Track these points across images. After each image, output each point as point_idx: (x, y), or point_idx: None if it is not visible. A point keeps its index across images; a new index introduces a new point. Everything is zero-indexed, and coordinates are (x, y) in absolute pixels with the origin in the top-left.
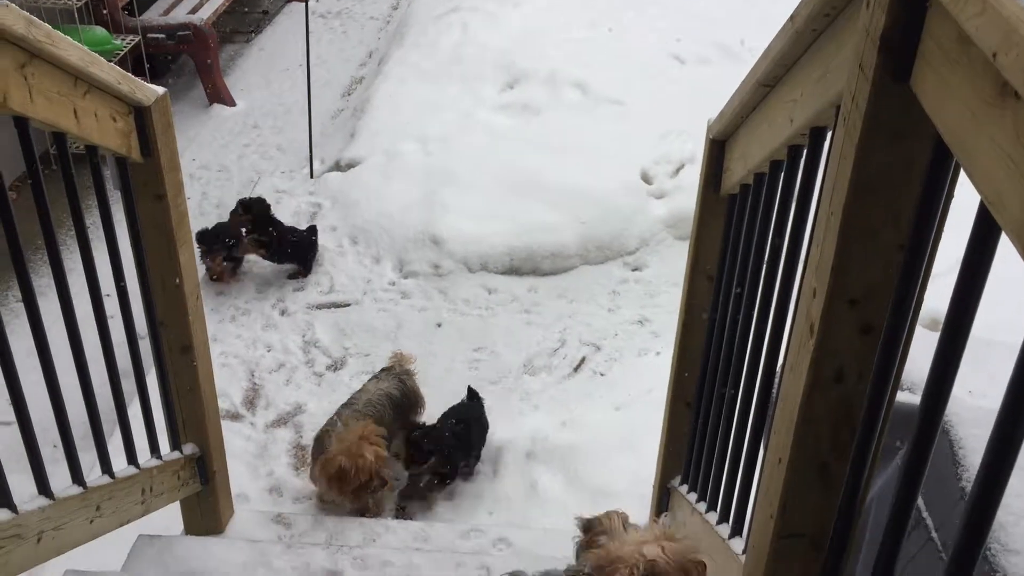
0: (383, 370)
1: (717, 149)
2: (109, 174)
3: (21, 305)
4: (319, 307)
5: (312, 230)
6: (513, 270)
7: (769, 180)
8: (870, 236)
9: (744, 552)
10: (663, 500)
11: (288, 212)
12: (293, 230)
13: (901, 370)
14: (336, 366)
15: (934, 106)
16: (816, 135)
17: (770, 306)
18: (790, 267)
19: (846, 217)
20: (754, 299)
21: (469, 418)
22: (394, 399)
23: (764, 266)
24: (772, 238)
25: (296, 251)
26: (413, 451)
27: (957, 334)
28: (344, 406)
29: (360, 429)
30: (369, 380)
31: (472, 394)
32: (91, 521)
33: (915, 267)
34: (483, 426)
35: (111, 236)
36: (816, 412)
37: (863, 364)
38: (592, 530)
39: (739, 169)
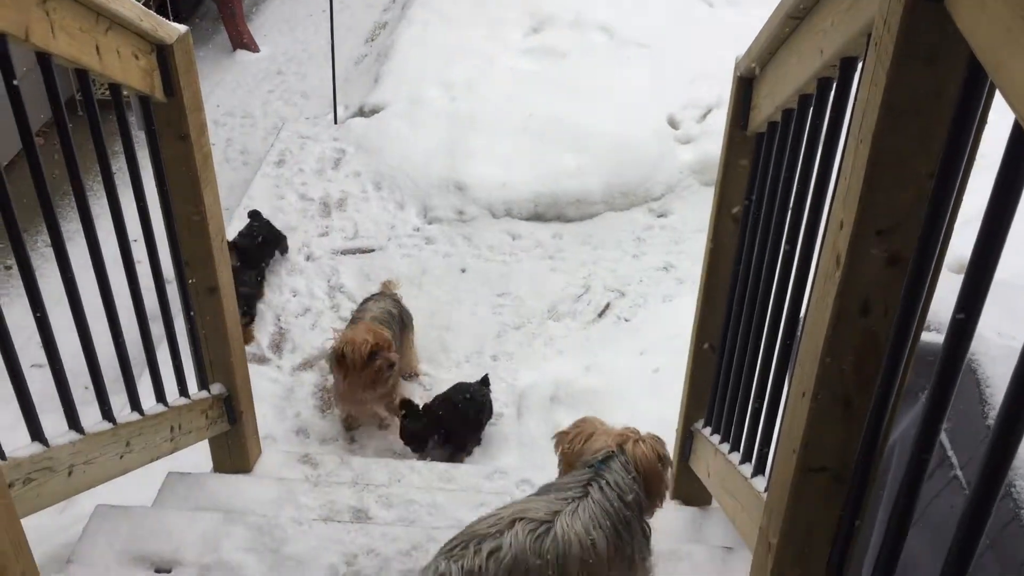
0: (376, 294)
1: (744, 87)
2: (133, 117)
3: (51, 250)
4: (344, 252)
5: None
6: (537, 216)
7: (798, 115)
8: (899, 164)
9: (766, 489)
10: (686, 443)
11: (312, 158)
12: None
13: (928, 303)
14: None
15: (968, 24)
16: (846, 66)
17: (796, 245)
18: (817, 204)
19: (875, 145)
20: (780, 238)
21: (481, 400)
22: (394, 315)
23: (791, 204)
24: (800, 175)
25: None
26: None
27: (989, 253)
28: (351, 322)
29: (364, 324)
30: (367, 301)
31: (485, 380)
32: (121, 456)
33: (945, 196)
34: (489, 410)
35: (136, 178)
36: (841, 345)
37: (889, 297)
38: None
39: (767, 106)
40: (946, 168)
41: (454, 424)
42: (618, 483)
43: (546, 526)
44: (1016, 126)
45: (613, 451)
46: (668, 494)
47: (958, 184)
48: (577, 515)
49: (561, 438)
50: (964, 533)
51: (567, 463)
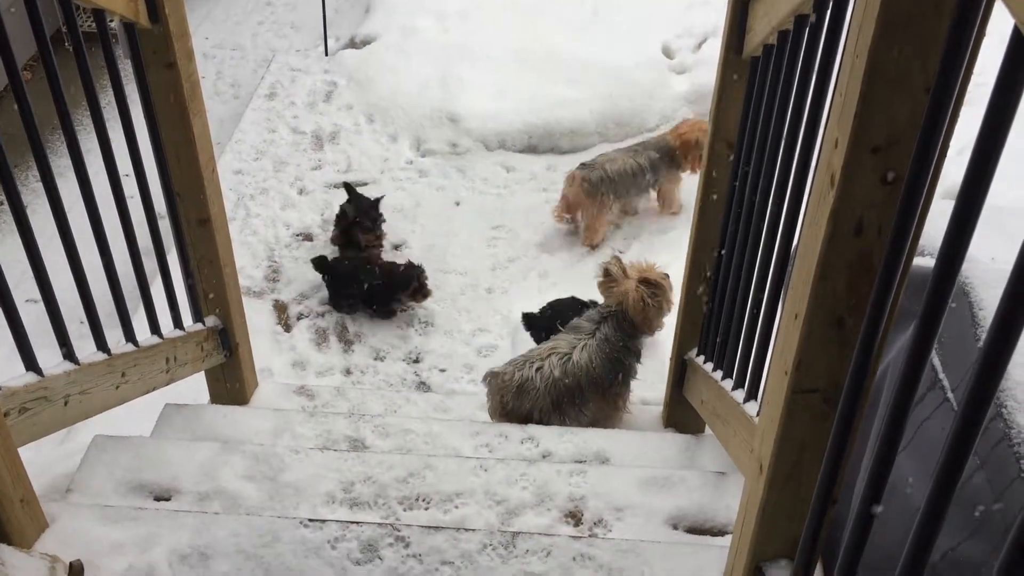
0: None
1: (740, 8)
2: (120, 49)
3: (41, 185)
4: (336, 186)
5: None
6: (531, 148)
7: (794, 36)
8: (896, 79)
9: (758, 414)
10: (679, 372)
11: (304, 91)
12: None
13: (922, 223)
14: None
15: None
16: None
17: (791, 170)
18: (812, 128)
19: (872, 58)
20: (775, 163)
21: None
22: None
23: (786, 129)
24: (795, 97)
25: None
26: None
27: (986, 161)
28: None
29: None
30: None
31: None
32: (117, 387)
33: (941, 111)
34: None
35: (124, 109)
36: (834, 266)
37: (883, 216)
38: (608, 275)
39: (763, 28)
40: (943, 83)
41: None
42: (615, 329)
43: (567, 356)
44: (1015, 33)
45: (614, 309)
46: (658, 327)
47: (954, 99)
48: (586, 349)
49: (601, 278)
50: (952, 452)
51: (603, 293)
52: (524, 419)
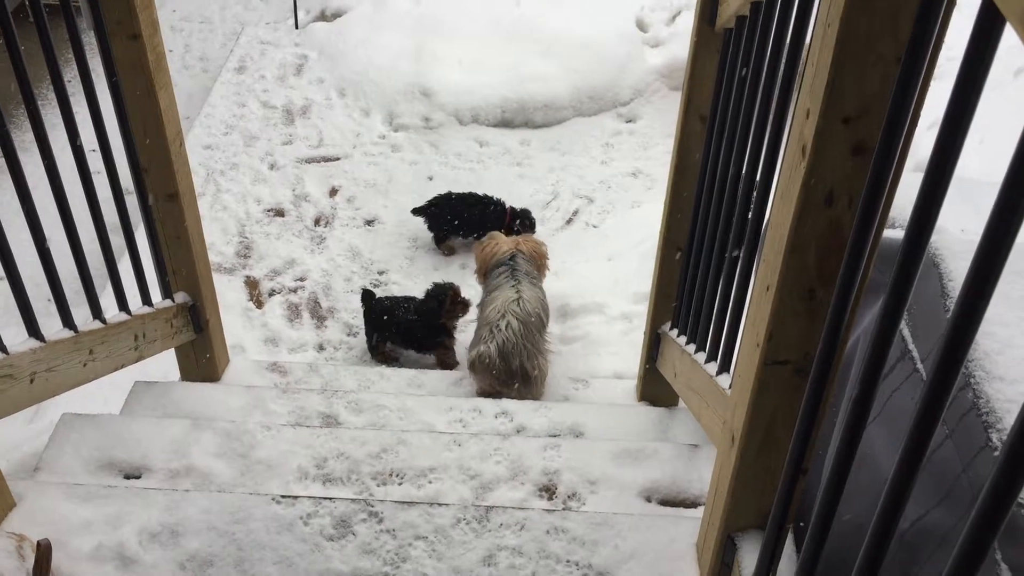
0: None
1: None
2: (83, 21)
3: (3, 161)
4: (308, 161)
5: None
6: (505, 123)
7: (766, 6)
8: (867, 47)
9: (731, 386)
10: (654, 346)
11: (274, 65)
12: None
13: (892, 194)
14: (327, 220)
15: None
16: None
17: (763, 143)
18: (785, 100)
19: (843, 27)
20: (748, 135)
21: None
22: None
23: (759, 101)
24: (767, 68)
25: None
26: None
27: (956, 129)
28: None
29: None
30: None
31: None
32: (84, 364)
33: (912, 79)
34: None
35: (88, 82)
36: (805, 237)
37: (854, 187)
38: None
39: None
40: (913, 52)
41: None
42: (527, 266)
43: (518, 297)
44: (984, 4)
45: (515, 251)
46: (547, 269)
47: (925, 68)
48: (523, 286)
49: (478, 255)
50: (920, 422)
51: (482, 270)
52: (520, 375)
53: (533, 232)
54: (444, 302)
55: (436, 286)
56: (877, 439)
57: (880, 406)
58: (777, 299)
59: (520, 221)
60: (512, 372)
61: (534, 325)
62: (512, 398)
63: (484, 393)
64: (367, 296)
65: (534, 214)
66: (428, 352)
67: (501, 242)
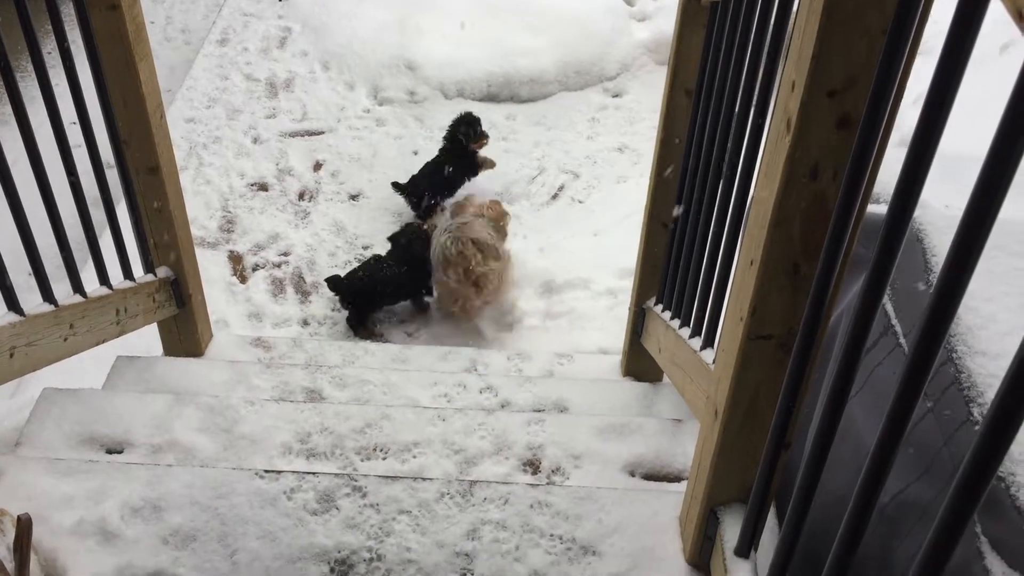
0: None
1: None
2: None
3: None
4: (292, 135)
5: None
6: (490, 97)
7: None
8: (853, 19)
9: (715, 360)
10: (638, 321)
11: (257, 37)
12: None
13: (877, 167)
14: (311, 194)
15: None
16: None
17: (749, 116)
18: (770, 74)
19: None
20: (733, 110)
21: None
22: None
23: (744, 75)
24: (754, 42)
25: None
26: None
27: (940, 103)
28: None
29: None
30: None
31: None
32: (65, 339)
33: (897, 52)
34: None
35: (67, 54)
36: (790, 211)
37: (838, 160)
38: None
39: None
40: (899, 24)
41: None
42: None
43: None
44: None
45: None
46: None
47: (911, 41)
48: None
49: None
50: (902, 395)
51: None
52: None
53: (477, 140)
54: (413, 238)
55: (398, 231)
56: (860, 413)
57: (862, 381)
58: (761, 273)
59: (464, 131)
60: (468, 270)
61: (481, 241)
62: (472, 303)
63: (449, 305)
64: (335, 283)
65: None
66: (423, 295)
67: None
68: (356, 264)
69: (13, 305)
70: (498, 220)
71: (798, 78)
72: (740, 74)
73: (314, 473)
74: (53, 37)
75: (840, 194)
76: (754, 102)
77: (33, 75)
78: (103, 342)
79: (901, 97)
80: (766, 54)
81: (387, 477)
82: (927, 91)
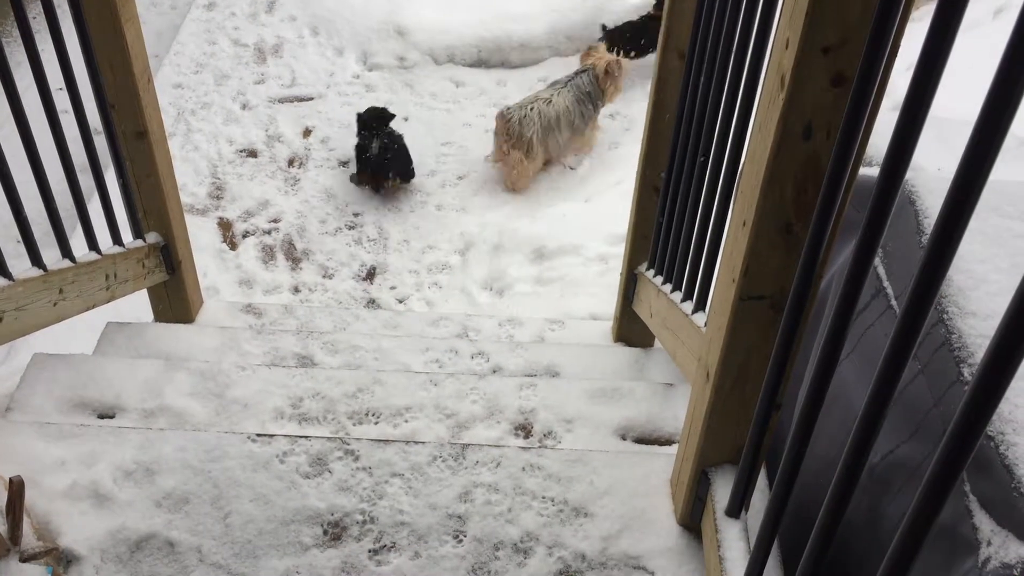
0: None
1: None
2: None
3: None
4: (281, 101)
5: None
6: (481, 62)
7: None
8: None
9: (706, 324)
10: (630, 286)
11: (245, 2)
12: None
13: (870, 126)
14: (301, 161)
15: None
16: None
17: (742, 76)
18: (764, 33)
19: None
20: (726, 71)
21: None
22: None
23: (737, 36)
24: (747, 4)
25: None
26: None
27: (933, 66)
28: None
29: None
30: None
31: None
32: (55, 304)
33: (892, 8)
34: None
35: (52, 18)
36: (782, 171)
37: (832, 119)
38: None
39: None
40: None
41: None
42: (584, 80)
43: (549, 99)
44: None
45: (586, 68)
46: (616, 91)
47: None
48: (562, 94)
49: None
50: (892, 356)
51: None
52: (524, 143)
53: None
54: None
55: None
56: (851, 375)
57: (854, 343)
58: (754, 233)
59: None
60: (520, 137)
61: (552, 122)
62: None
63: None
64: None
65: None
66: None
67: (599, 54)
68: (347, 230)
69: (2, 270)
70: (602, 81)
71: (792, 35)
72: (734, 30)
73: (306, 437)
74: (39, 1)
75: (834, 153)
76: (747, 62)
77: (19, 39)
78: (93, 307)
79: (895, 56)
80: (760, 10)
81: (379, 441)
82: (920, 52)
